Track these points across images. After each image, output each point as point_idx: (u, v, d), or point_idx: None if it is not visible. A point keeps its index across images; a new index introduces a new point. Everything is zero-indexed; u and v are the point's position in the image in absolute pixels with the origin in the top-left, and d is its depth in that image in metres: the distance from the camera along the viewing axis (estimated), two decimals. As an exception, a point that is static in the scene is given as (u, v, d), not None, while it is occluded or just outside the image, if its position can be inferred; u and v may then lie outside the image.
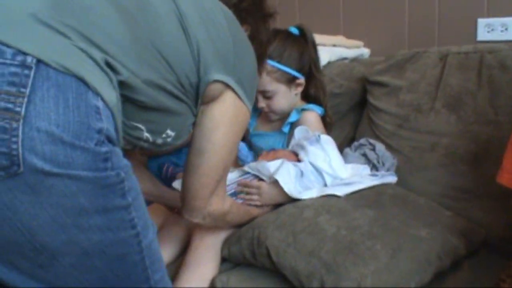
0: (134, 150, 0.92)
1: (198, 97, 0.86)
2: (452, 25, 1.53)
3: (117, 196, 0.68)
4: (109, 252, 0.68)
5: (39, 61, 0.61)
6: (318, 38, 1.61)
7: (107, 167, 0.65)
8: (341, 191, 1.12)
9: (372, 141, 1.31)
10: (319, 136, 1.22)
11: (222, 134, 0.92)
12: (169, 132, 0.85)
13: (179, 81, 0.80)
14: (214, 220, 1.03)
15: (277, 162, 1.19)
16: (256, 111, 1.41)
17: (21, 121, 0.59)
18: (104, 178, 0.65)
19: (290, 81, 1.32)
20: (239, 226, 1.13)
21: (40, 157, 0.60)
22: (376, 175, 1.20)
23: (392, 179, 1.22)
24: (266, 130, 1.44)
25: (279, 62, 1.29)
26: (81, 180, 0.63)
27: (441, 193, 1.21)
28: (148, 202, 1.38)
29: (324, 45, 1.62)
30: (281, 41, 1.32)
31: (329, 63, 1.62)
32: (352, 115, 1.54)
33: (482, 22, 1.46)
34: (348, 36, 1.77)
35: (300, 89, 1.35)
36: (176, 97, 0.81)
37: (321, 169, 1.18)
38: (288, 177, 1.15)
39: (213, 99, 0.88)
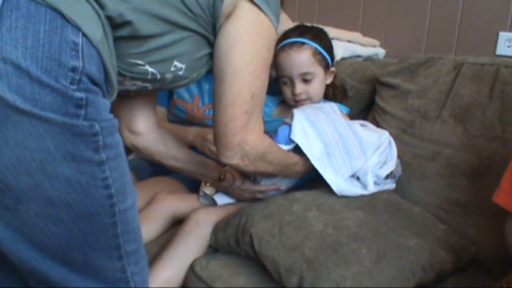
0: (147, 91, 0.86)
1: (216, 21, 0.79)
2: (473, 35, 1.49)
3: (89, 149, 0.64)
4: (76, 207, 0.65)
5: None
6: (334, 32, 1.58)
7: (79, 115, 0.62)
8: (340, 189, 1.10)
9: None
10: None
11: (241, 53, 0.81)
12: (177, 64, 0.79)
13: (183, 2, 0.74)
14: (254, 161, 0.94)
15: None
16: (276, 100, 1.39)
17: None
18: (74, 125, 0.62)
19: (326, 67, 1.31)
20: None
21: (5, 88, 0.58)
22: (378, 184, 1.16)
23: (390, 186, 1.19)
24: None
25: (320, 46, 1.29)
26: (48, 122, 0.60)
27: (436, 204, 1.18)
28: (144, 176, 1.38)
29: (339, 39, 1.59)
30: (318, 30, 1.33)
31: (342, 59, 1.58)
32: (360, 118, 1.51)
33: (503, 35, 1.42)
34: (365, 34, 1.73)
35: (330, 79, 1.34)
36: (176, 24, 0.75)
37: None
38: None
39: (228, 16, 0.80)
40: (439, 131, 1.23)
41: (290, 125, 1.12)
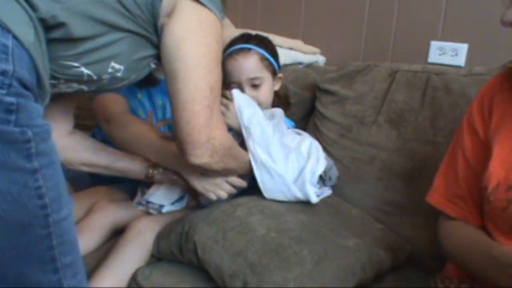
0: (84, 93, 0.83)
1: (156, 21, 0.78)
2: (407, 44, 1.56)
3: (21, 157, 0.62)
4: (8, 218, 0.62)
5: None
6: (276, 39, 1.60)
7: (10, 120, 0.60)
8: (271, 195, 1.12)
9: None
10: None
11: (191, 48, 0.80)
12: (115, 65, 0.77)
13: (120, 2, 0.73)
14: (223, 157, 0.93)
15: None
16: None
17: None
18: (4, 132, 0.60)
19: (274, 73, 1.32)
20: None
21: None
22: (318, 196, 1.16)
23: (327, 193, 1.21)
24: None
25: (266, 52, 1.30)
26: None
27: (374, 205, 1.22)
28: (83, 187, 1.33)
29: (281, 46, 1.61)
30: (263, 38, 1.35)
31: (284, 65, 1.61)
32: (302, 123, 1.54)
33: (434, 44, 1.50)
34: (306, 42, 1.77)
35: (278, 86, 1.36)
36: (112, 25, 0.74)
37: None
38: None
39: (169, 14, 0.79)
40: (375, 135, 1.28)
41: None
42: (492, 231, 0.82)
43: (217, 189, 1.10)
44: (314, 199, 1.12)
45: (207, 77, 0.83)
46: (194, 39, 0.81)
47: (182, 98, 0.83)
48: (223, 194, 1.11)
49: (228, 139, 0.95)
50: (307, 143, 1.21)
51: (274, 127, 1.17)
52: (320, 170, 1.17)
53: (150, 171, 1.12)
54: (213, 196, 1.11)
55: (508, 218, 0.77)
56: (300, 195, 1.12)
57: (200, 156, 0.88)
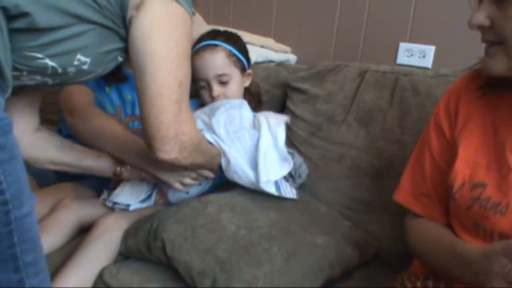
0: (47, 86, 0.81)
1: (124, 13, 0.77)
2: (376, 45, 1.59)
3: None
4: None
5: None
6: (248, 36, 1.60)
7: None
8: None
9: (290, 150, 1.30)
10: None
11: (159, 42, 0.79)
12: (81, 58, 0.75)
13: None
14: (191, 152, 0.92)
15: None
16: (196, 103, 1.37)
17: None
18: None
19: (243, 69, 1.32)
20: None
21: None
22: (278, 190, 1.15)
23: (295, 195, 1.18)
24: None
25: (234, 48, 1.29)
26: None
27: (342, 203, 1.24)
28: (47, 183, 1.30)
29: (252, 44, 1.62)
30: (232, 34, 1.34)
31: (255, 63, 1.61)
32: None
33: (403, 46, 1.53)
34: (278, 40, 1.78)
35: (248, 82, 1.35)
36: (78, 16, 0.72)
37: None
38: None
39: (137, 7, 0.78)
40: (344, 134, 1.30)
41: None
42: (456, 229, 0.85)
43: (185, 178, 1.11)
44: (262, 183, 1.10)
45: (175, 71, 0.82)
46: (162, 33, 0.80)
47: (150, 93, 0.82)
48: (192, 182, 1.13)
49: (197, 135, 0.95)
50: (259, 119, 1.20)
51: (225, 111, 1.17)
52: (281, 136, 1.16)
53: (118, 168, 1.10)
54: (180, 187, 1.12)
55: (472, 217, 0.79)
56: (253, 179, 1.12)
57: (169, 151, 0.87)
